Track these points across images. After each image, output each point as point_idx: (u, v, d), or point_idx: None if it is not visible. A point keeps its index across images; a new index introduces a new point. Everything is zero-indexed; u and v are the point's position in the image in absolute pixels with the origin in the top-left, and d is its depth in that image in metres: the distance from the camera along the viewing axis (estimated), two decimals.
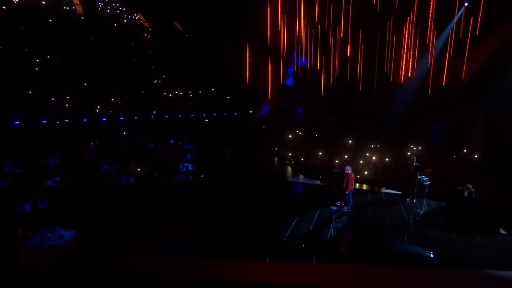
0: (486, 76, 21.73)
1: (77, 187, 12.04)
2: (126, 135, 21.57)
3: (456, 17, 19.95)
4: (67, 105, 23.35)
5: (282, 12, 16.70)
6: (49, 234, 8.14)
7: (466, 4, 19.29)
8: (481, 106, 21.43)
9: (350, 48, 17.01)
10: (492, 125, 20.63)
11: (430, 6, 15.63)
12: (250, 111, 31.50)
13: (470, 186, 9.01)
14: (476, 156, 15.30)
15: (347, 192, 9.50)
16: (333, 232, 8.31)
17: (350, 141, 18.16)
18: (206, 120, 29.75)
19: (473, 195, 8.90)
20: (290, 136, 20.66)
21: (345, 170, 9.71)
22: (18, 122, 20.11)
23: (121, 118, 25.01)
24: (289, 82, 29.89)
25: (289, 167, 15.74)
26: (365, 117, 25.61)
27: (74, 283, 6.35)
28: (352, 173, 9.68)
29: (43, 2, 28.52)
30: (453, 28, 19.41)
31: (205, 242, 7.84)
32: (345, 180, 9.51)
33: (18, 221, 8.96)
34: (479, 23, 15.54)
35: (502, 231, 8.14)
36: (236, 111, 31.74)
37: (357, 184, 12.30)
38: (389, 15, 16.33)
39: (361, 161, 14.19)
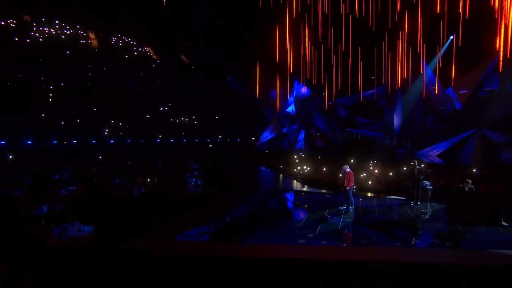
0: (477, 102, 23.06)
1: (90, 194, 12.40)
2: (133, 156, 22.16)
3: (442, 50, 21.69)
4: (76, 127, 24.30)
5: (289, 35, 18.38)
6: (70, 227, 8.47)
7: (451, 37, 21.08)
8: (475, 129, 22.49)
9: (350, 63, 18.48)
10: (488, 145, 21.52)
11: (418, 23, 17.45)
12: (253, 138, 32.46)
13: (470, 181, 9.51)
14: (474, 170, 15.84)
15: (348, 189, 9.99)
16: (343, 224, 8.66)
17: (352, 161, 18.75)
18: (210, 146, 30.59)
19: (473, 190, 9.37)
20: (295, 156, 21.30)
21: (344, 169, 10.28)
22: (30, 142, 20.88)
23: (128, 141, 25.87)
24: (291, 109, 31.18)
25: (295, 181, 16.18)
26: (366, 142, 26.54)
27: (98, 261, 6.63)
28: (352, 172, 10.24)
29: (63, 37, 30.86)
30: (440, 59, 21.05)
31: (220, 232, 8.16)
32: (346, 178, 10.04)
33: (38, 219, 9.27)
34: (461, 38, 17.22)
35: (504, 223, 8.51)
36: (239, 137, 32.75)
37: (362, 193, 12.77)
38: (384, 33, 18.08)
39: (364, 174, 14.68)
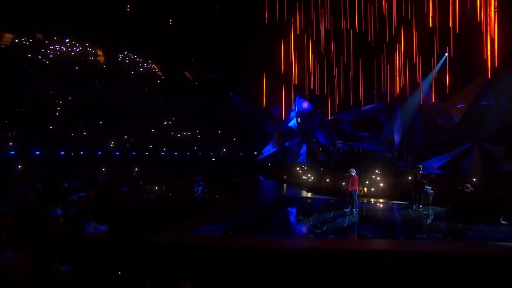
0: (474, 115, 23.72)
1: (101, 199, 12.72)
2: (138, 167, 22.55)
3: (437, 67, 22.59)
4: (83, 140, 24.84)
5: (293, 49, 19.50)
6: (86, 225, 8.82)
7: (446, 54, 22.00)
8: (474, 142, 23.02)
9: (352, 73, 19.49)
10: (487, 157, 21.98)
11: (413, 37, 18.74)
12: (255, 152, 32.92)
13: (469, 185, 9.90)
14: (474, 180, 16.22)
15: (352, 192, 10.33)
16: (348, 223, 9.01)
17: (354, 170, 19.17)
18: (213, 159, 31.02)
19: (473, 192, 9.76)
20: (298, 168, 21.72)
21: (350, 172, 10.67)
22: (38, 153, 21.33)
23: (133, 153, 26.32)
24: (293, 124, 31.81)
25: (300, 189, 16.55)
26: (367, 155, 27.02)
27: (117, 251, 6.96)
28: (356, 175, 10.62)
29: (72, 54, 32.16)
30: (435, 74, 21.91)
31: (231, 228, 8.49)
32: (350, 181, 10.41)
33: (56, 218, 9.59)
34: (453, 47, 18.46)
35: (503, 222, 8.85)
36: (242, 151, 33.22)
37: (365, 199, 13.13)
38: (382, 46, 19.31)
39: (367, 182, 15.07)
